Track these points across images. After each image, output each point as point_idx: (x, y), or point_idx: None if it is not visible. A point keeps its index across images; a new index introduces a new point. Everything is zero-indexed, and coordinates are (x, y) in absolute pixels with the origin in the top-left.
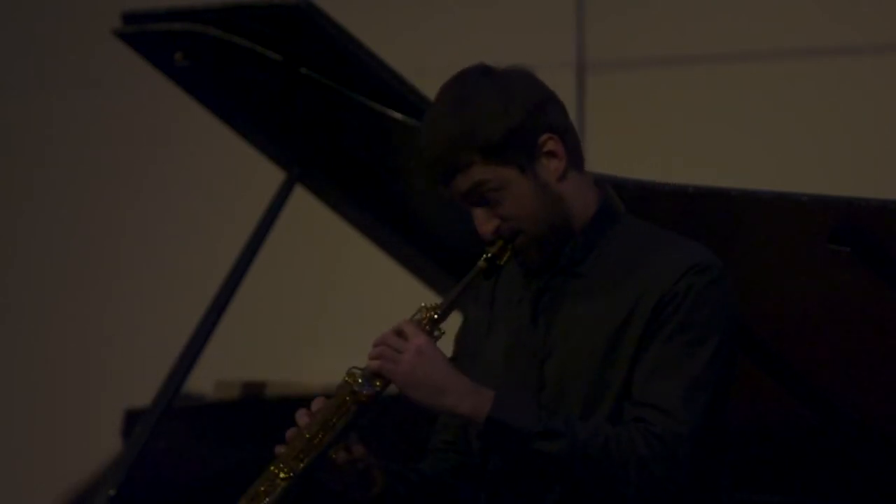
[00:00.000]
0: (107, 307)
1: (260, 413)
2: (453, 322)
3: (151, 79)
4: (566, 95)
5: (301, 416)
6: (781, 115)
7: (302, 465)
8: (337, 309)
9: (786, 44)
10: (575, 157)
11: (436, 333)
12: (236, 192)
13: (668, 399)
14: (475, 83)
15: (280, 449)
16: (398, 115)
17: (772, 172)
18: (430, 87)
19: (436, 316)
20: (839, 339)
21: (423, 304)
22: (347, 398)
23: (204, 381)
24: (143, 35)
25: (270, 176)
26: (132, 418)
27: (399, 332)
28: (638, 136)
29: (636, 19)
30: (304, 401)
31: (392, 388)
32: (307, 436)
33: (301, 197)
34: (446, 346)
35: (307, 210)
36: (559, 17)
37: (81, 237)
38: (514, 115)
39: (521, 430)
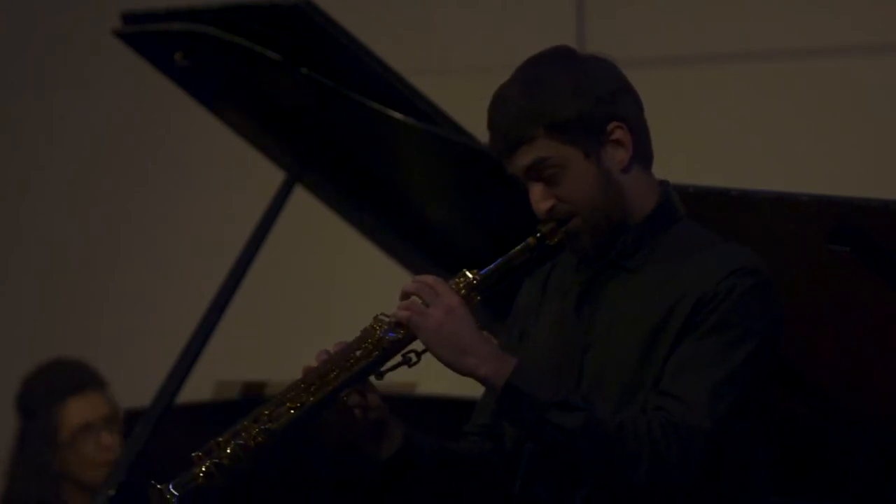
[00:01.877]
0: (107, 307)
1: None
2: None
3: (151, 79)
4: None
5: (320, 355)
6: (781, 115)
7: (312, 398)
8: (337, 309)
9: (786, 44)
10: (642, 153)
11: (472, 295)
12: (236, 192)
13: (693, 393)
14: (553, 62)
15: (292, 382)
16: (398, 115)
17: (772, 172)
18: (430, 87)
19: (475, 281)
20: (839, 339)
21: (465, 270)
22: (369, 342)
23: (204, 381)
24: (143, 35)
25: (270, 176)
26: (132, 418)
27: (433, 287)
28: None
29: (636, 19)
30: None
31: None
32: (322, 372)
33: (301, 197)
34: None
35: (307, 210)
36: (559, 17)
37: (81, 237)
38: (585, 98)
39: (538, 400)
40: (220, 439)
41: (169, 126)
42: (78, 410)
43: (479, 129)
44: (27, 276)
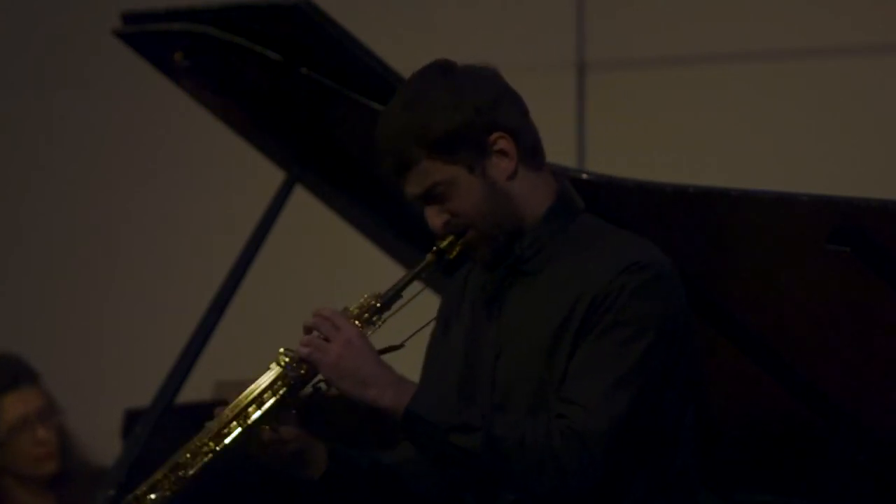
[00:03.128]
0: (107, 307)
1: None
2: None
3: (151, 79)
4: (566, 95)
5: (232, 395)
6: (781, 115)
7: (226, 440)
8: (337, 309)
9: (786, 44)
10: (530, 155)
11: (374, 320)
12: (236, 192)
13: (590, 396)
14: (430, 80)
15: (208, 424)
16: None
17: (772, 172)
18: None
19: (378, 305)
20: (839, 339)
21: (370, 293)
22: (276, 379)
23: (204, 381)
24: (143, 35)
25: (270, 176)
26: (132, 418)
27: (331, 321)
28: (638, 136)
29: (636, 19)
30: (304, 401)
31: None
32: (235, 412)
33: (301, 197)
34: (383, 336)
35: (307, 210)
36: (559, 17)
37: (81, 237)
38: (463, 112)
39: (437, 425)
40: (138, 492)
41: (169, 126)
42: (12, 407)
43: None
44: (27, 276)
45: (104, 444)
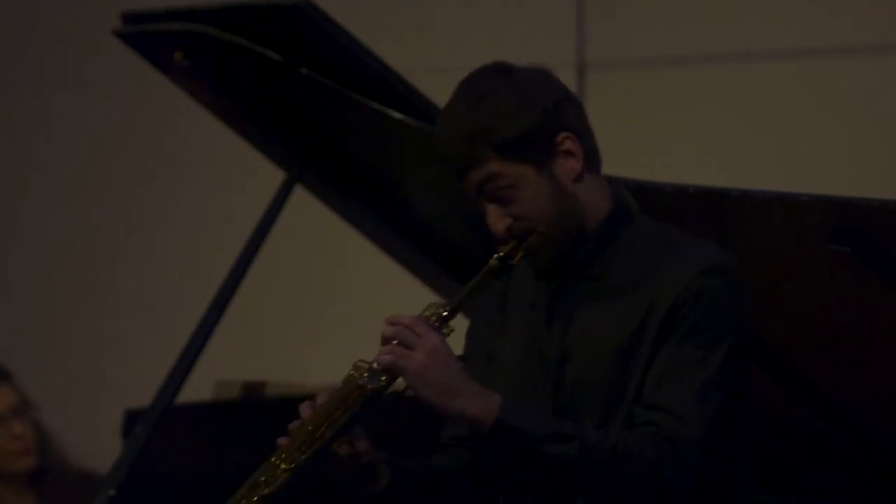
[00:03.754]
0: (107, 307)
1: (260, 413)
2: (460, 322)
3: (151, 79)
4: None
5: (304, 409)
6: (781, 115)
7: (303, 457)
8: (337, 309)
9: (786, 44)
10: (591, 158)
11: (444, 331)
12: (236, 192)
13: (679, 402)
14: (492, 81)
15: (282, 441)
16: (398, 115)
17: (772, 172)
18: (430, 87)
19: (445, 314)
20: (839, 339)
21: (432, 302)
22: (352, 391)
23: (204, 381)
24: (143, 35)
25: (270, 176)
26: (132, 418)
27: (411, 329)
28: (638, 136)
29: (636, 19)
30: (304, 401)
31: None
32: (310, 428)
33: (301, 197)
34: (455, 343)
35: (307, 210)
36: (559, 17)
37: (81, 237)
38: (531, 113)
39: (530, 433)
40: None
41: (169, 126)
42: None
43: None
44: (27, 277)
45: (104, 444)
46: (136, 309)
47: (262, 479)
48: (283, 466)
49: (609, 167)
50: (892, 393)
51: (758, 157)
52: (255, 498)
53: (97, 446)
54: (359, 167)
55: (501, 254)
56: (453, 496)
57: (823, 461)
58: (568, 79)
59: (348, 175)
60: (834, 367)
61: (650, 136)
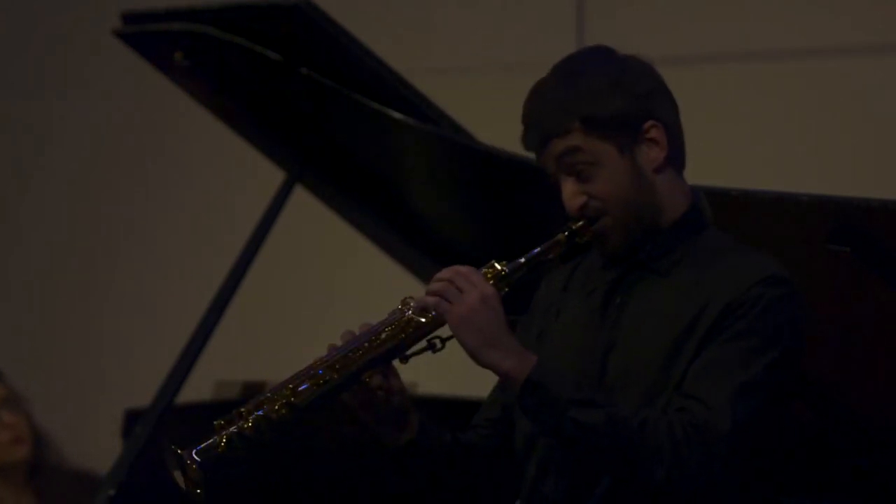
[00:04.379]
0: (107, 307)
1: None
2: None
3: (151, 79)
4: None
5: (346, 334)
6: (782, 115)
7: (336, 376)
8: (337, 309)
9: (786, 44)
10: (676, 155)
11: (500, 286)
12: (236, 192)
13: (716, 396)
14: (589, 60)
15: (319, 357)
16: (398, 115)
17: (772, 172)
18: (430, 87)
19: (503, 272)
20: (839, 339)
21: (493, 261)
22: (395, 323)
23: (204, 381)
24: (143, 35)
25: (270, 176)
26: (132, 418)
27: (467, 277)
28: None
29: (636, 19)
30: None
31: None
32: (347, 351)
33: (301, 197)
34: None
35: (307, 210)
36: (559, 17)
37: (81, 237)
38: (623, 94)
39: (559, 396)
40: (243, 409)
41: (169, 126)
42: None
43: (480, 129)
44: (27, 277)
45: (104, 444)
46: (136, 309)
47: (290, 387)
48: (311, 381)
49: None
50: (893, 392)
51: (758, 157)
52: (280, 403)
53: (97, 446)
54: (359, 167)
55: (570, 230)
56: (479, 473)
57: (823, 461)
58: None
59: (348, 175)
60: (834, 367)
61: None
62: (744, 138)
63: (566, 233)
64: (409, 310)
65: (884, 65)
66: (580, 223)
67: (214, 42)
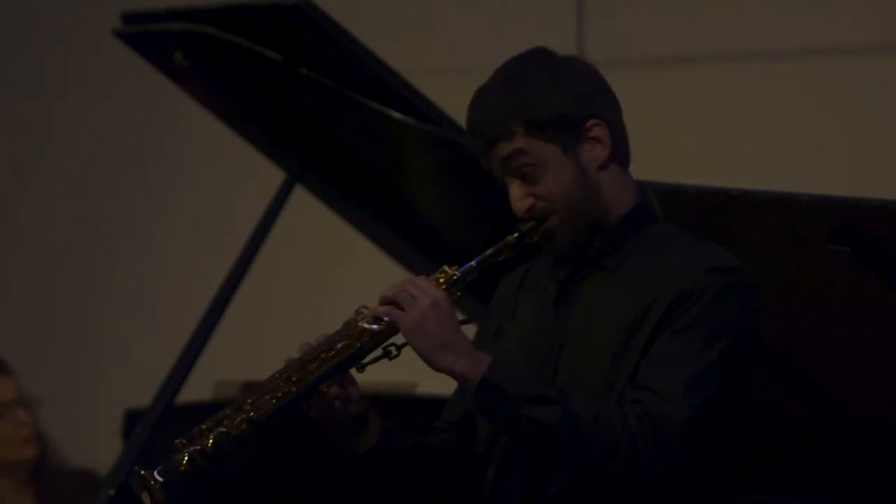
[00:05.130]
0: (107, 307)
1: None
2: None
3: (151, 79)
4: None
5: (303, 346)
6: (782, 115)
7: (294, 388)
8: (337, 309)
9: (786, 44)
10: (620, 152)
11: (452, 291)
12: (236, 192)
13: (669, 386)
14: (530, 63)
15: (274, 373)
16: (398, 115)
17: (772, 172)
18: (430, 87)
19: (454, 277)
20: (839, 339)
21: (445, 266)
22: (350, 333)
23: (204, 381)
24: (143, 35)
25: (270, 176)
26: (132, 418)
27: (415, 284)
28: (637, 135)
29: (636, 19)
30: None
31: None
32: (303, 363)
33: (301, 197)
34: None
35: (307, 210)
36: (559, 17)
37: (81, 237)
38: (564, 95)
39: (513, 395)
40: (203, 426)
41: (169, 126)
42: None
43: None
44: (27, 277)
45: (104, 444)
46: (136, 309)
47: (249, 401)
48: (269, 395)
49: None
50: (893, 392)
51: (758, 157)
52: (239, 419)
53: (97, 446)
54: (359, 167)
55: (520, 231)
56: (443, 476)
57: (823, 461)
58: None
59: (348, 175)
60: (834, 367)
61: (650, 136)
62: (744, 138)
63: (516, 234)
64: (362, 319)
65: (884, 65)
66: (529, 224)
67: (214, 42)
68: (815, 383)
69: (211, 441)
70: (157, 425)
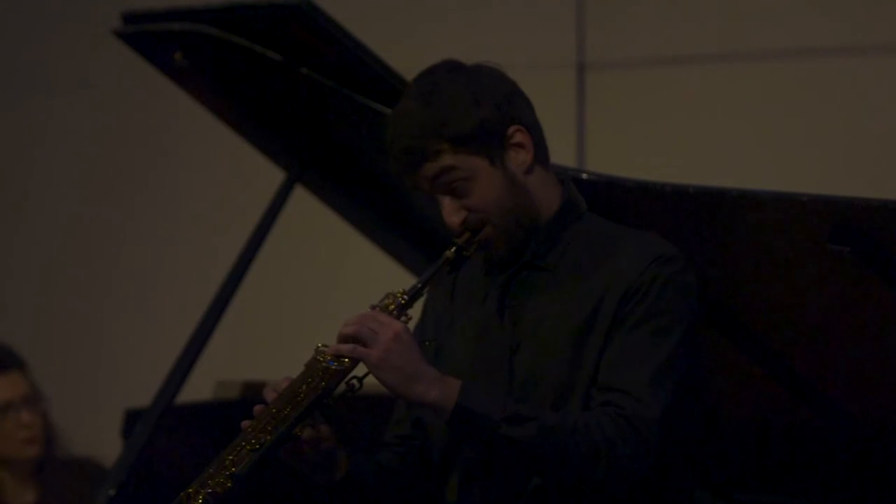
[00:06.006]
0: (107, 307)
1: None
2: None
3: (151, 79)
4: (566, 95)
5: (268, 393)
6: (781, 115)
7: (269, 437)
8: (337, 309)
9: (785, 44)
10: (541, 151)
11: (403, 319)
12: (236, 192)
13: (636, 384)
14: (444, 77)
15: (246, 424)
16: None
17: (772, 172)
18: None
19: (403, 302)
20: (839, 339)
21: (389, 292)
22: (315, 374)
23: (204, 381)
24: (143, 35)
25: (270, 176)
26: (132, 418)
27: (374, 318)
28: (638, 135)
29: (636, 19)
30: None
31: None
32: (274, 410)
33: (301, 197)
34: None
35: (307, 210)
36: (559, 18)
37: (81, 237)
38: (483, 106)
39: (489, 417)
40: (190, 490)
41: (169, 126)
42: None
43: None
44: (28, 277)
45: (104, 444)
46: (136, 309)
47: (230, 458)
48: (247, 448)
49: (609, 166)
50: (893, 392)
51: (757, 157)
52: (223, 477)
53: (97, 446)
54: (359, 167)
55: (457, 245)
56: (402, 490)
57: (823, 461)
58: (568, 79)
59: (348, 175)
60: (834, 367)
61: (650, 136)
62: (744, 138)
63: (453, 248)
64: (324, 359)
65: (884, 65)
66: (465, 236)
67: (214, 42)
68: (814, 383)
69: (200, 502)
70: (157, 425)
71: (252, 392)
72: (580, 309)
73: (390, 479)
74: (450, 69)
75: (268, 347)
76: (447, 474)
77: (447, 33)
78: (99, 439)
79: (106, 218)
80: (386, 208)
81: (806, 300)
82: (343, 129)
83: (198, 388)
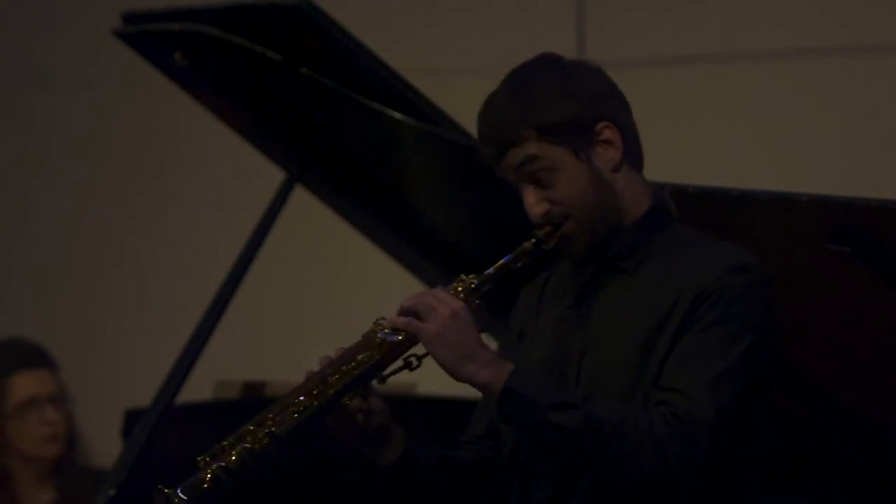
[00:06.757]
0: (107, 307)
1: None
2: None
3: (151, 79)
4: None
5: (322, 360)
6: (781, 115)
7: (315, 402)
8: (337, 309)
9: (785, 44)
10: (633, 154)
11: (470, 301)
12: (236, 192)
13: (694, 385)
14: (538, 68)
15: (296, 384)
16: (398, 115)
17: (772, 172)
18: (430, 88)
19: (472, 286)
20: (839, 339)
21: (462, 276)
22: (369, 345)
23: (204, 381)
24: (143, 35)
25: (270, 176)
26: (132, 418)
27: (433, 296)
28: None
29: (636, 19)
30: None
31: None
32: (323, 376)
33: (301, 197)
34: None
35: (307, 210)
36: (559, 17)
37: (81, 237)
38: (573, 99)
39: (536, 401)
40: (225, 443)
41: (169, 126)
42: (24, 384)
43: None
44: (28, 276)
45: (104, 444)
46: (136, 309)
47: (271, 416)
48: (291, 410)
49: None
50: (893, 392)
51: (758, 157)
52: (262, 434)
53: (97, 446)
54: (359, 167)
55: (536, 238)
56: (468, 488)
57: (823, 461)
58: None
59: (348, 175)
60: (834, 367)
61: (650, 136)
62: (744, 138)
63: (533, 240)
64: (380, 331)
65: (884, 65)
66: (545, 230)
67: (215, 42)
68: (814, 383)
69: (234, 457)
70: (157, 425)
71: (252, 392)
72: (651, 314)
73: (456, 473)
74: (546, 62)
75: (268, 347)
76: (512, 474)
77: (447, 33)
78: (99, 439)
79: (106, 218)
80: (386, 208)
81: (806, 300)
82: (343, 129)
83: (198, 388)
